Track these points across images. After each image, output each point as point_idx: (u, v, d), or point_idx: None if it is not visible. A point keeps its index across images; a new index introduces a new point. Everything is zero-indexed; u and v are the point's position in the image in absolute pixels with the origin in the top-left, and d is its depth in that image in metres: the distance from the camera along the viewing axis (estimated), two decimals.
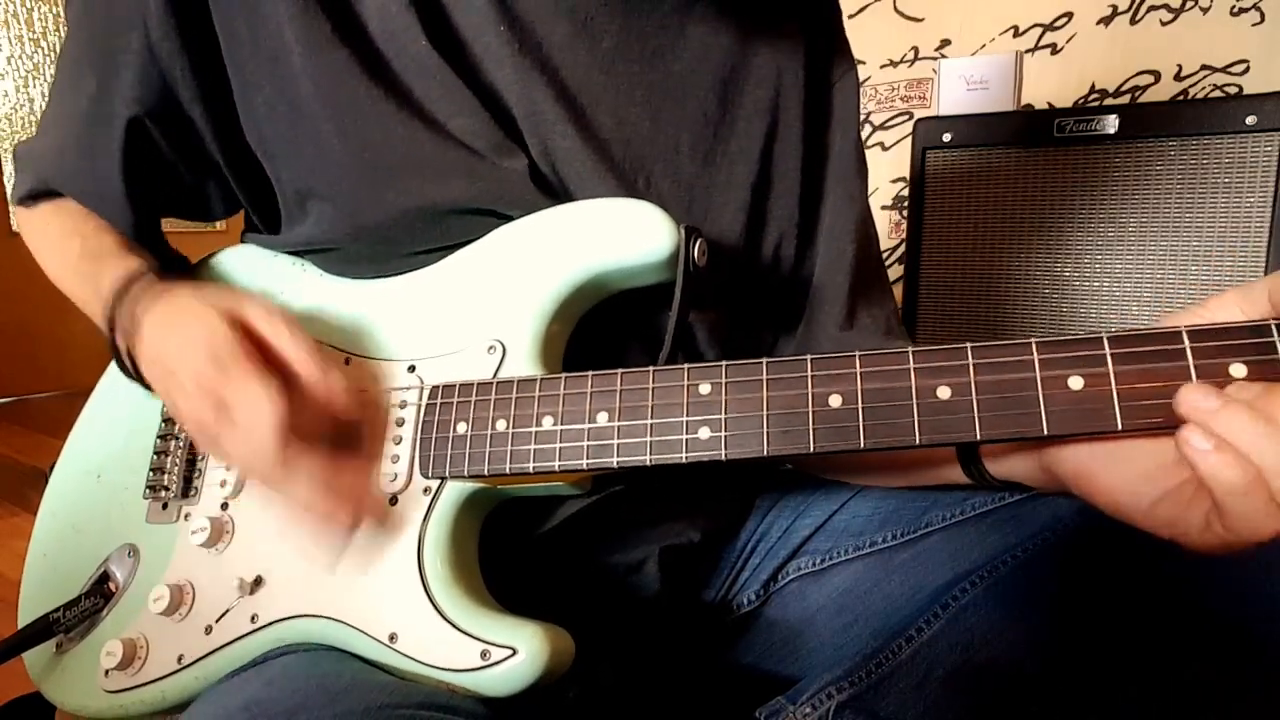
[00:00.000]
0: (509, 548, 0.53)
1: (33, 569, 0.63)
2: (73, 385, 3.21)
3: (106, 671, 0.54)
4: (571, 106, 0.55)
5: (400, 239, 0.56)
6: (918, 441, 0.40)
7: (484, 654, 0.45)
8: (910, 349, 0.41)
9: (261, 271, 0.62)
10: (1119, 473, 0.41)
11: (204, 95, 0.58)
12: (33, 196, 0.65)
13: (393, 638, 0.47)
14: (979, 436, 0.39)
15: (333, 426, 0.49)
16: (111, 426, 0.65)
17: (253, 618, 0.51)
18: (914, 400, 0.40)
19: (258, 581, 0.52)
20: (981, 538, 0.56)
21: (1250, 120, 1.14)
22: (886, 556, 0.59)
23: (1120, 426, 0.37)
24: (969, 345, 0.40)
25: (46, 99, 0.65)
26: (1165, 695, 0.46)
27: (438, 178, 0.54)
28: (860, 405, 0.41)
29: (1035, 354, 0.39)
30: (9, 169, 3.25)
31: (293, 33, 0.53)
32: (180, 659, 0.53)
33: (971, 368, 0.40)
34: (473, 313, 0.53)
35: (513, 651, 0.45)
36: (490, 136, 0.54)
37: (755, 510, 0.67)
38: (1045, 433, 0.38)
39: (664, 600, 0.59)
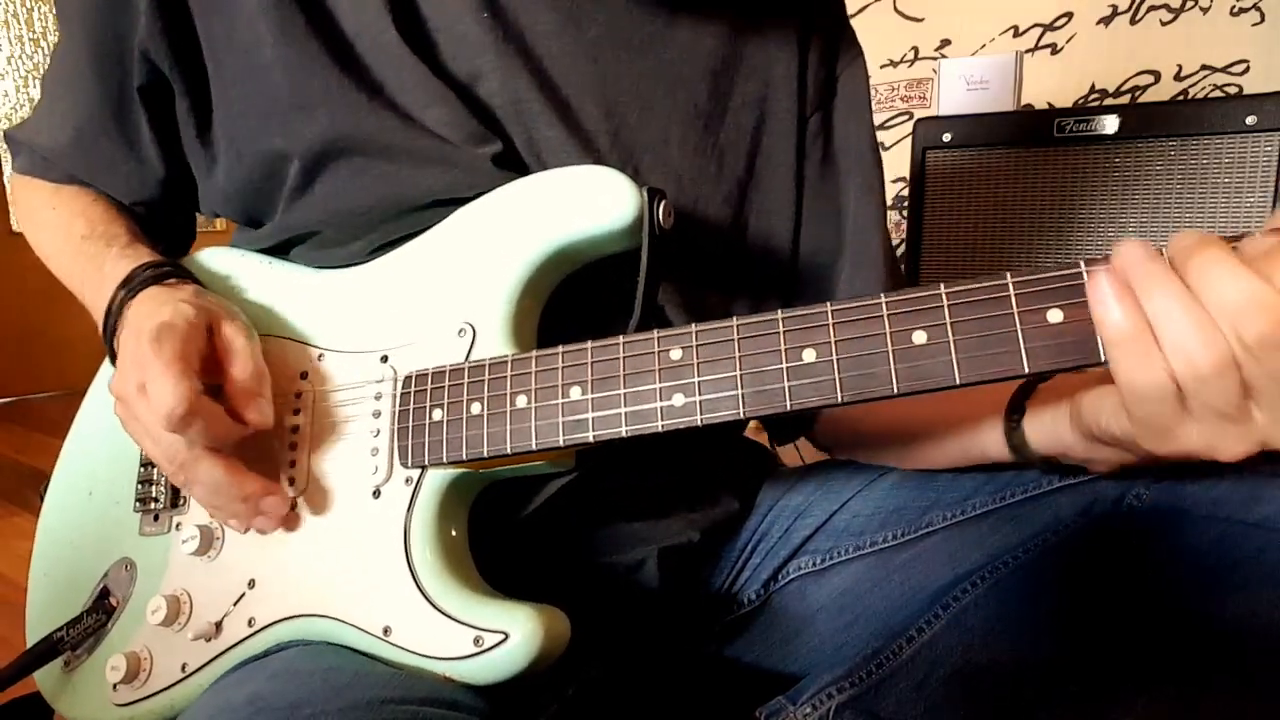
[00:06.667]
0: (503, 539, 0.53)
1: (36, 589, 0.63)
2: (73, 385, 3.20)
3: (114, 685, 0.54)
4: (556, 96, 0.55)
5: (373, 225, 0.56)
6: (895, 390, 0.38)
7: (477, 640, 0.45)
8: (883, 295, 0.39)
9: (229, 270, 0.62)
10: None
11: (189, 91, 0.59)
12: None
13: (386, 631, 0.47)
14: (958, 380, 0.38)
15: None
16: (98, 442, 0.65)
17: (249, 621, 0.51)
18: (889, 348, 0.39)
19: (251, 585, 0.52)
20: (982, 538, 0.55)
21: (1250, 120, 1.14)
22: (887, 556, 0.59)
23: (1104, 358, 0.36)
24: (942, 285, 0.38)
25: (41, 90, 0.66)
26: (1166, 695, 0.46)
27: (411, 165, 0.54)
28: (835, 357, 0.40)
29: (1011, 289, 0.37)
30: (9, 169, 3.25)
31: (266, 25, 0.53)
32: (184, 667, 0.53)
33: (947, 309, 0.38)
34: (441, 297, 0.52)
35: (505, 636, 0.44)
36: (465, 126, 0.53)
37: (755, 510, 0.66)
38: (1026, 370, 0.36)
39: (664, 600, 0.59)
